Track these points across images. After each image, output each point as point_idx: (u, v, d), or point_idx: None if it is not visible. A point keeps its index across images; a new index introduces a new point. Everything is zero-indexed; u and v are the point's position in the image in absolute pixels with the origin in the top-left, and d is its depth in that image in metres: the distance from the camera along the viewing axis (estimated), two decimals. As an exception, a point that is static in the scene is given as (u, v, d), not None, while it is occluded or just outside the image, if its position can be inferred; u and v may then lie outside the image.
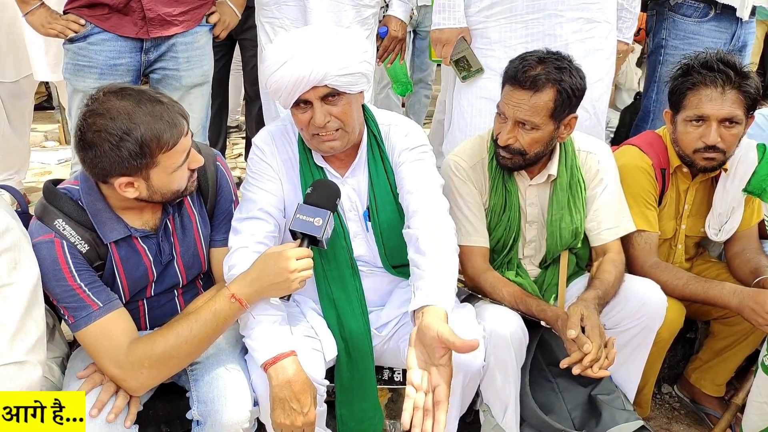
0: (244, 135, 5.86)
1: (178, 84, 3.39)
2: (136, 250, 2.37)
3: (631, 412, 2.67)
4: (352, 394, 2.60)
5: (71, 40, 3.22)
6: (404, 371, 2.83)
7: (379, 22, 3.95)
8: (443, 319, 2.07)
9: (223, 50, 4.53)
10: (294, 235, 2.31)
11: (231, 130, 6.54)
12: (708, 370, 3.34)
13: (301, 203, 2.32)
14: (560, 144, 2.84)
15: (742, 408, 3.09)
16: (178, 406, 2.53)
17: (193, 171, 2.34)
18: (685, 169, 3.03)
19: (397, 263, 2.70)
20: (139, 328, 2.39)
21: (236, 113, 7.00)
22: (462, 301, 2.75)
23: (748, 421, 2.92)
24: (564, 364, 2.43)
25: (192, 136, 2.29)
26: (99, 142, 2.07)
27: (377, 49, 3.96)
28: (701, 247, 3.37)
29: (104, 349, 2.18)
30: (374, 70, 3.92)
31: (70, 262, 2.19)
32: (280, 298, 2.33)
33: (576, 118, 2.74)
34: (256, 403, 2.30)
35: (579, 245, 2.93)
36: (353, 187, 2.64)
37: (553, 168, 2.83)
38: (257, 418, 2.36)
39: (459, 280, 2.91)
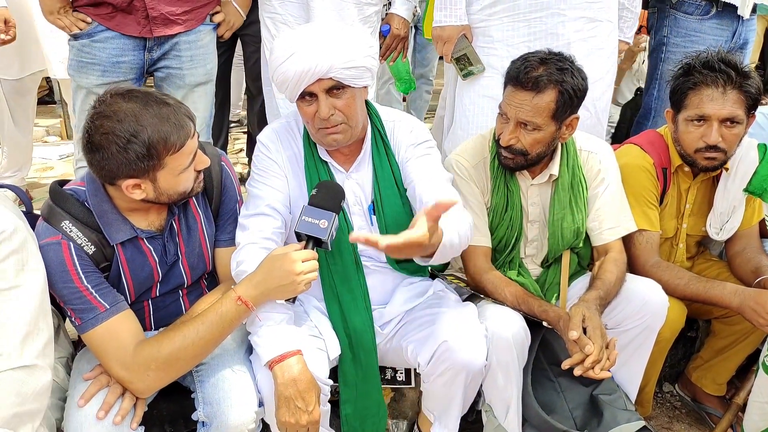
0: (246, 130, 5.86)
1: (182, 83, 3.39)
2: (141, 251, 2.38)
3: (633, 412, 2.68)
4: (355, 390, 2.61)
5: (75, 37, 3.23)
6: (407, 371, 2.86)
7: (382, 20, 3.95)
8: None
9: (224, 46, 4.52)
10: (299, 236, 2.32)
11: (232, 125, 6.53)
12: (709, 369, 3.35)
13: (306, 205, 2.33)
14: (562, 144, 2.85)
15: (743, 407, 3.10)
16: (182, 406, 2.53)
17: (199, 172, 2.34)
18: (687, 169, 3.04)
19: (402, 258, 2.71)
20: (144, 329, 2.39)
21: (237, 108, 6.99)
22: (465, 300, 2.75)
23: (749, 421, 2.93)
24: (566, 365, 2.44)
25: (198, 137, 2.30)
26: (106, 145, 2.08)
27: (379, 47, 3.96)
28: (702, 246, 3.38)
29: (111, 351, 2.19)
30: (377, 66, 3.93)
31: (77, 263, 2.20)
32: (286, 300, 2.34)
33: (578, 118, 2.75)
34: (261, 404, 2.31)
35: (581, 245, 2.93)
36: (357, 182, 2.66)
37: (554, 168, 2.83)
38: (262, 419, 2.36)
39: (461, 280, 2.92)
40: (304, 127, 2.63)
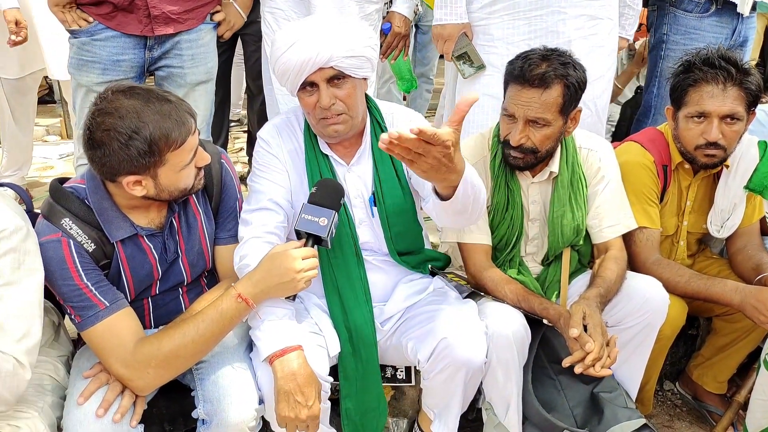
0: (246, 129, 5.87)
1: (183, 81, 3.39)
2: (141, 248, 2.38)
3: (633, 410, 2.68)
4: (356, 385, 2.61)
5: (75, 35, 3.23)
6: (407, 369, 2.86)
7: (383, 18, 3.94)
8: None
9: (225, 45, 4.52)
10: (299, 234, 2.33)
11: (232, 124, 6.54)
12: (710, 367, 3.34)
13: (306, 203, 2.33)
14: (561, 141, 2.85)
15: (744, 405, 3.10)
16: (181, 404, 2.53)
17: (200, 169, 2.35)
18: (687, 166, 3.04)
19: (403, 250, 2.73)
20: (144, 326, 2.40)
21: (237, 107, 7.00)
22: (465, 298, 2.75)
23: (752, 419, 2.93)
24: (566, 363, 2.44)
25: (199, 134, 2.31)
26: (108, 141, 2.08)
27: (380, 46, 3.95)
28: (703, 244, 3.38)
29: (111, 349, 2.19)
30: (377, 63, 3.93)
31: (77, 261, 2.20)
32: (286, 298, 2.34)
33: (580, 111, 2.76)
34: (261, 402, 2.30)
35: (581, 242, 2.93)
36: (358, 175, 2.67)
37: (554, 165, 2.83)
38: (262, 416, 2.36)
39: (461, 278, 2.92)
40: (305, 122, 2.64)
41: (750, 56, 4.25)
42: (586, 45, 3.36)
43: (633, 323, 2.73)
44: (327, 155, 2.64)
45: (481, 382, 2.66)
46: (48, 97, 7.84)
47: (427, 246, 2.88)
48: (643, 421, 2.64)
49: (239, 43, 4.97)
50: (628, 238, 2.94)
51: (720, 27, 3.86)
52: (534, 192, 2.90)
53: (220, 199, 2.58)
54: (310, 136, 2.64)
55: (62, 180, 2.38)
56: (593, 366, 2.38)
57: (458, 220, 2.38)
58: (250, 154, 5.02)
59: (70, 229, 2.22)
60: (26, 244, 2.04)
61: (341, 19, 2.51)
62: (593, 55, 3.37)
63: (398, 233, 2.68)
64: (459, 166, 2.01)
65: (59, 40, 4.36)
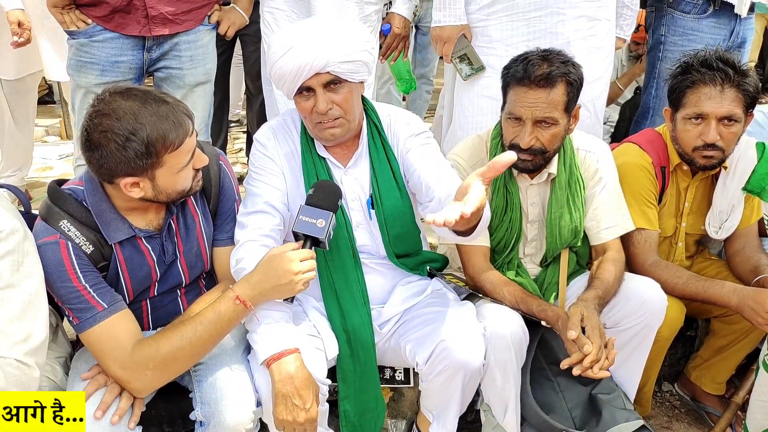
0: (245, 130, 5.87)
1: (182, 83, 3.40)
2: (140, 250, 2.38)
3: (632, 411, 2.68)
4: (354, 387, 2.61)
5: (73, 36, 3.23)
6: (405, 370, 2.86)
7: (383, 19, 3.94)
8: None
9: (224, 45, 4.53)
10: (296, 236, 2.33)
11: (232, 124, 6.53)
12: (708, 368, 3.35)
13: (303, 205, 2.33)
14: (559, 142, 2.86)
15: (742, 406, 3.11)
16: (180, 406, 2.54)
17: (197, 170, 2.35)
18: (685, 167, 3.04)
19: (401, 252, 2.73)
20: (142, 328, 2.40)
21: (237, 107, 7.00)
22: (463, 300, 2.75)
23: (752, 420, 2.93)
24: (564, 364, 2.44)
25: (197, 136, 2.30)
26: (105, 143, 2.08)
27: (380, 47, 3.96)
28: (701, 245, 3.38)
29: (109, 351, 2.19)
30: (376, 65, 3.93)
31: (75, 263, 2.20)
32: (284, 300, 2.34)
33: (580, 107, 2.77)
34: (259, 404, 2.30)
35: (579, 244, 2.93)
36: (355, 177, 2.67)
37: (553, 167, 2.83)
38: (260, 419, 2.36)
39: (460, 279, 2.92)
40: (301, 124, 2.64)
41: (748, 57, 4.25)
42: (585, 46, 3.36)
43: (631, 325, 2.73)
44: (324, 158, 2.64)
45: (480, 384, 2.66)
46: (48, 97, 7.85)
47: (425, 247, 2.88)
48: (641, 422, 2.64)
49: (238, 43, 4.97)
50: (626, 240, 2.95)
51: (718, 28, 3.86)
52: (533, 194, 2.91)
53: (218, 200, 2.58)
54: (307, 139, 2.64)
55: (60, 182, 2.38)
56: (591, 368, 2.38)
57: (464, 240, 2.40)
58: (249, 154, 5.02)
59: (69, 231, 2.22)
60: (24, 246, 2.04)
61: (337, 24, 2.51)
62: (592, 56, 3.37)
63: (396, 236, 2.68)
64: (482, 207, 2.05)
65: (56, 41, 4.39)
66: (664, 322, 2.74)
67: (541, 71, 2.60)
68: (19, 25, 4.29)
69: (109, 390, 2.19)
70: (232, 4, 3.63)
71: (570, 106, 2.68)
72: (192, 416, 2.30)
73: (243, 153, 5.99)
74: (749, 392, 3.00)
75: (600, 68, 3.48)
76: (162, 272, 2.46)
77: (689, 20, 3.87)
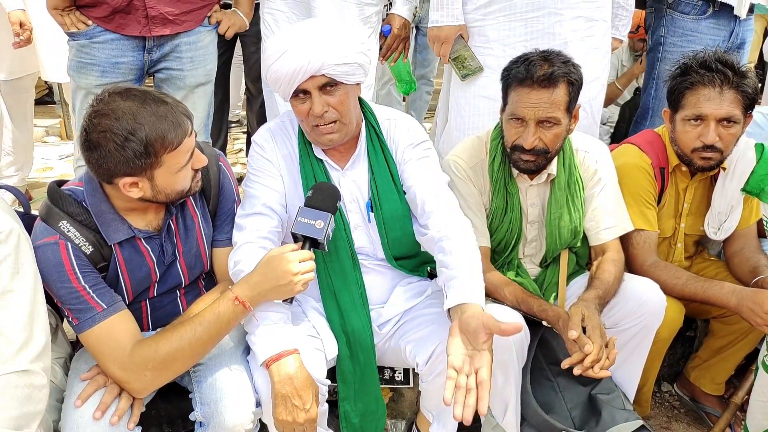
0: (245, 130, 5.87)
1: (182, 84, 3.41)
2: (139, 251, 2.38)
3: (631, 411, 2.68)
4: (354, 388, 2.61)
5: (74, 38, 3.24)
6: (405, 371, 2.86)
7: (383, 20, 3.95)
8: (482, 311, 2.18)
9: (224, 46, 4.53)
10: (295, 237, 2.33)
11: (232, 125, 6.54)
12: (708, 368, 3.35)
13: (302, 206, 2.34)
14: (558, 143, 2.86)
15: (741, 407, 3.11)
16: (180, 406, 2.54)
17: (197, 171, 2.35)
18: (684, 168, 3.04)
19: (399, 254, 2.73)
20: (142, 329, 2.40)
21: (237, 108, 7.00)
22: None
23: (753, 420, 2.93)
24: (565, 364, 2.44)
25: (196, 136, 2.31)
26: (104, 143, 2.08)
27: (380, 48, 3.96)
28: (700, 246, 3.38)
29: (108, 351, 2.19)
30: (375, 66, 3.93)
31: (75, 264, 2.20)
32: (284, 301, 2.35)
33: (579, 107, 2.77)
34: (258, 404, 2.31)
35: (578, 244, 2.93)
36: (353, 180, 2.66)
37: (552, 167, 2.83)
38: (259, 419, 2.37)
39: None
40: (299, 126, 2.63)
41: (748, 58, 4.25)
42: (582, 47, 3.37)
43: (630, 325, 2.73)
44: (321, 160, 2.63)
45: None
46: (48, 97, 7.85)
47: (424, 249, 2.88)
48: (640, 422, 2.64)
49: (238, 44, 4.97)
50: (625, 240, 2.95)
51: (717, 29, 3.87)
52: (532, 194, 2.91)
53: (217, 201, 2.58)
54: (304, 141, 2.64)
55: (60, 182, 2.38)
56: (592, 368, 2.38)
57: None
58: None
59: (68, 231, 2.22)
60: (21, 247, 2.04)
61: (332, 26, 2.49)
62: (589, 57, 3.38)
63: (395, 238, 2.68)
64: None
65: (54, 42, 4.40)
66: (663, 323, 2.74)
67: (543, 71, 2.60)
68: (21, 25, 4.31)
69: (108, 390, 2.19)
70: (234, 8, 3.63)
71: (571, 106, 2.69)
72: (191, 417, 2.30)
73: (243, 153, 6.00)
74: (748, 392, 3.00)
75: (597, 69, 3.49)
76: (161, 273, 2.46)
77: (689, 21, 3.88)
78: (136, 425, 2.22)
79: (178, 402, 2.52)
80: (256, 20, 3.90)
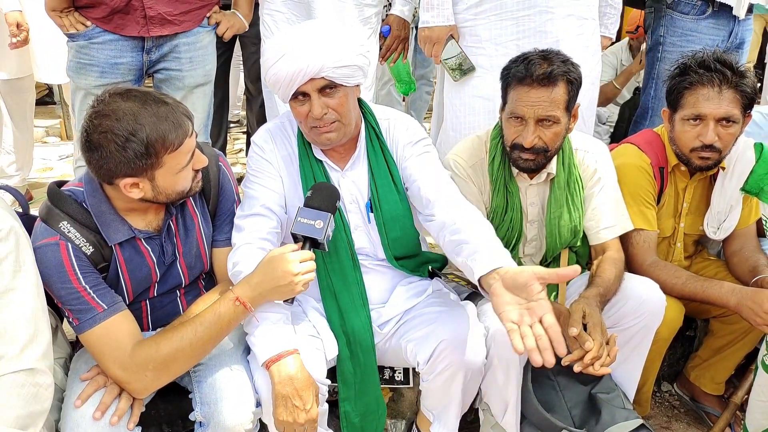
0: (245, 130, 5.87)
1: (181, 84, 3.41)
2: (139, 251, 2.38)
3: (631, 410, 2.69)
4: (354, 389, 2.61)
5: (73, 39, 3.24)
6: (405, 370, 2.86)
7: (382, 21, 3.95)
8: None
9: (224, 47, 4.54)
10: (295, 238, 2.34)
11: (232, 125, 6.55)
12: (707, 368, 3.35)
13: (302, 206, 2.34)
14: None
15: (741, 406, 3.11)
16: (180, 406, 2.54)
17: (197, 171, 2.35)
18: (683, 168, 3.04)
19: (400, 254, 2.73)
20: (142, 329, 2.40)
21: (236, 108, 7.00)
22: (464, 300, 2.76)
23: (752, 420, 2.93)
24: (565, 361, 2.43)
25: (196, 137, 2.31)
26: (105, 143, 2.08)
27: (380, 48, 3.96)
28: (700, 245, 3.39)
29: (108, 352, 2.19)
30: (375, 66, 3.93)
31: (75, 264, 2.20)
32: (284, 301, 2.35)
33: (579, 106, 2.78)
34: (258, 404, 2.31)
35: (578, 244, 2.93)
36: (353, 180, 2.67)
37: (552, 167, 2.84)
38: (260, 419, 2.37)
39: (461, 278, 2.93)
40: (299, 127, 2.63)
41: (747, 58, 4.26)
42: (573, 45, 3.36)
43: (630, 325, 2.73)
44: (321, 161, 2.63)
45: (480, 383, 2.66)
46: (48, 98, 7.85)
47: (425, 248, 2.88)
48: (640, 421, 2.64)
49: (238, 44, 4.97)
50: (625, 240, 2.95)
51: (716, 29, 3.87)
52: (532, 194, 2.91)
53: (217, 201, 2.59)
54: (304, 142, 2.64)
55: (60, 183, 2.38)
56: (592, 365, 2.38)
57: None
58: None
59: (68, 232, 2.22)
60: (21, 245, 2.04)
61: (331, 28, 2.49)
62: (580, 55, 3.36)
63: (395, 239, 2.67)
64: None
65: (50, 43, 4.40)
66: (663, 322, 2.74)
67: (543, 70, 2.61)
68: (18, 26, 4.31)
69: (108, 391, 2.19)
70: (233, 9, 3.63)
71: (570, 105, 2.70)
72: (191, 417, 2.30)
73: (243, 153, 6.00)
74: (748, 392, 3.00)
75: (587, 67, 3.47)
76: (162, 273, 2.46)
77: (688, 21, 3.88)
78: (136, 425, 2.22)
79: (178, 402, 2.52)
80: (255, 21, 3.90)
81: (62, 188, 2.34)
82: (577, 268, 1.99)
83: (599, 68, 3.71)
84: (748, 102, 2.83)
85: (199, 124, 3.50)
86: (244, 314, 2.27)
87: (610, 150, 3.07)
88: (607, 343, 2.43)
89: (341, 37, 2.44)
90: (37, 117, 5.64)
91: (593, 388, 2.78)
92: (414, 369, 2.71)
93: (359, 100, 2.67)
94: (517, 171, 2.85)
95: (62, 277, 2.18)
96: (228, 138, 5.45)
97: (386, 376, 2.86)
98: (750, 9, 3.88)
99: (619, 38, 6.04)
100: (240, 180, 2.76)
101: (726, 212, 3.05)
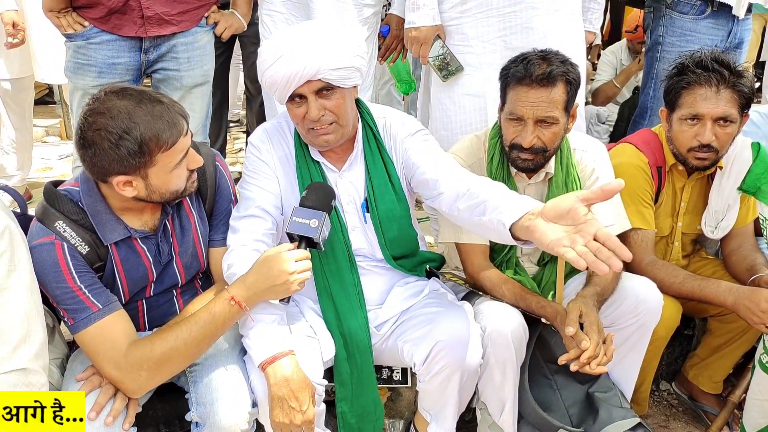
0: (245, 130, 5.88)
1: (179, 84, 3.41)
2: (135, 251, 2.38)
3: (628, 409, 2.69)
4: (351, 389, 2.61)
5: (70, 39, 3.24)
6: (403, 370, 2.86)
7: (382, 20, 3.94)
8: None
9: (223, 46, 4.54)
10: (291, 237, 2.34)
11: (231, 124, 6.55)
12: (705, 367, 3.36)
13: (297, 206, 2.34)
14: (557, 142, 2.86)
15: (739, 405, 3.11)
16: (176, 406, 2.54)
17: (192, 171, 2.35)
18: (681, 167, 3.04)
19: (398, 254, 2.73)
20: (138, 329, 2.40)
21: (236, 107, 7.00)
22: (462, 299, 2.76)
23: (750, 419, 2.93)
24: (562, 360, 2.44)
25: (192, 137, 2.30)
26: (99, 141, 2.08)
27: (379, 48, 3.96)
28: (698, 245, 3.39)
29: (103, 351, 2.19)
30: (374, 67, 3.93)
31: (71, 263, 2.20)
32: (280, 300, 2.34)
33: (578, 106, 2.79)
34: (255, 405, 2.31)
35: (577, 243, 2.93)
36: (350, 181, 2.66)
37: (550, 166, 2.84)
38: (256, 420, 2.37)
39: (459, 277, 2.93)
40: (296, 128, 2.63)
41: (746, 58, 4.26)
42: (560, 40, 3.34)
43: (627, 324, 2.73)
44: (318, 161, 2.63)
45: (477, 383, 2.66)
46: (48, 98, 7.85)
47: (423, 247, 2.88)
48: (637, 420, 2.64)
49: (237, 43, 4.98)
50: (623, 239, 2.91)
51: (715, 29, 3.87)
52: (531, 193, 2.91)
53: (214, 201, 2.58)
54: (301, 143, 2.63)
55: (57, 183, 2.38)
56: (589, 364, 2.38)
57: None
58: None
59: (64, 231, 2.22)
60: (16, 245, 2.04)
61: (328, 30, 2.48)
62: (566, 51, 3.37)
63: (392, 239, 2.68)
64: None
65: (49, 43, 4.41)
66: (661, 321, 2.74)
67: (542, 70, 2.61)
68: (14, 26, 4.31)
69: (103, 391, 2.19)
70: (231, 9, 3.63)
71: (569, 105, 2.70)
72: (188, 417, 2.30)
73: (243, 153, 5.99)
74: (746, 391, 3.00)
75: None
76: (158, 273, 2.46)
77: (687, 21, 3.88)
78: (133, 426, 2.22)
79: (175, 402, 2.52)
80: (255, 20, 3.90)
81: (58, 188, 2.33)
82: (621, 181, 1.86)
83: (584, 62, 3.69)
84: (746, 102, 2.83)
85: (197, 124, 3.50)
86: (239, 314, 2.27)
87: (608, 149, 3.06)
88: (604, 342, 2.43)
89: (338, 39, 2.43)
90: (37, 117, 5.65)
91: (590, 387, 2.78)
92: (411, 369, 2.70)
93: (357, 100, 2.67)
94: (515, 170, 2.85)
95: (57, 276, 2.18)
96: (228, 137, 5.45)
97: (384, 376, 2.86)
98: (749, 8, 3.88)
99: (619, 38, 6.04)
100: (239, 180, 2.76)
101: (723, 211, 3.06)
